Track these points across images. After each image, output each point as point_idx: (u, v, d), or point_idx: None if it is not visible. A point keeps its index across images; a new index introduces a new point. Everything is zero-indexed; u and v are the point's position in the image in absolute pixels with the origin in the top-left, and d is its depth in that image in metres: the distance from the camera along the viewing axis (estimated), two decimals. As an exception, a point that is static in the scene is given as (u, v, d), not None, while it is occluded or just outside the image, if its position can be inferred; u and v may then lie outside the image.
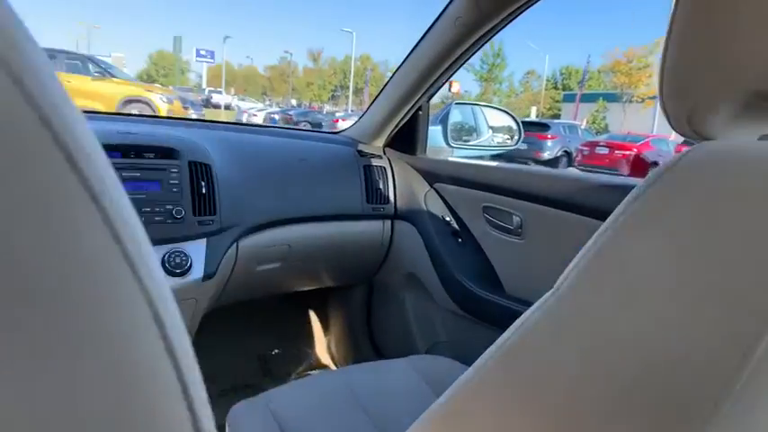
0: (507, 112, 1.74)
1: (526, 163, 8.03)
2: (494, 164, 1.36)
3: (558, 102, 36.98)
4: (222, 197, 1.14)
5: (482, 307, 1.29)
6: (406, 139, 1.55)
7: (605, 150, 11.83)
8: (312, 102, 47.62)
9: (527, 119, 17.89)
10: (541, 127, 13.00)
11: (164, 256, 1.04)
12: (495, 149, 1.78)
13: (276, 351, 1.92)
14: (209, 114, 20.77)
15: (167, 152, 1.11)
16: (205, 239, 1.10)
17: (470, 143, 1.67)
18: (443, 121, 1.56)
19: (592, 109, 28.97)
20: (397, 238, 1.54)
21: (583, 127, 16.23)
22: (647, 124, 21.39)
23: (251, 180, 1.26)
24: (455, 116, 1.62)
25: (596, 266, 0.39)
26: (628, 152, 11.55)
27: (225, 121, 1.63)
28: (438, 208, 1.46)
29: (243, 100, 31.91)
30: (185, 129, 1.30)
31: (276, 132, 1.55)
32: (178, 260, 1.04)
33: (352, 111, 31.80)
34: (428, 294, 1.46)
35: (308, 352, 1.96)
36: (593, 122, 27.19)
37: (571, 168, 11.38)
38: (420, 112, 1.50)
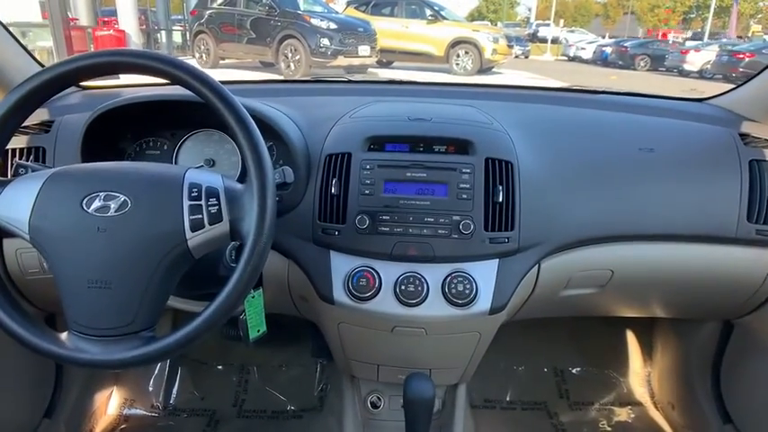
0: None
1: None
2: None
3: None
4: (524, 206, 0.87)
5: None
6: None
7: None
8: (655, 28, 40.62)
9: None
10: None
11: (444, 280, 0.85)
12: None
13: (578, 369, 1.63)
14: (534, 49, 20.21)
15: (462, 146, 0.90)
16: (497, 261, 0.87)
17: None
18: None
19: None
20: None
21: None
22: None
23: (563, 179, 0.94)
24: None
25: None
26: None
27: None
28: None
29: (572, 32, 29.69)
30: (485, 102, 1.05)
31: (600, 103, 1.13)
32: (460, 287, 0.85)
33: (710, 38, 25.27)
34: None
35: (619, 381, 1.61)
36: None
37: None
38: None
